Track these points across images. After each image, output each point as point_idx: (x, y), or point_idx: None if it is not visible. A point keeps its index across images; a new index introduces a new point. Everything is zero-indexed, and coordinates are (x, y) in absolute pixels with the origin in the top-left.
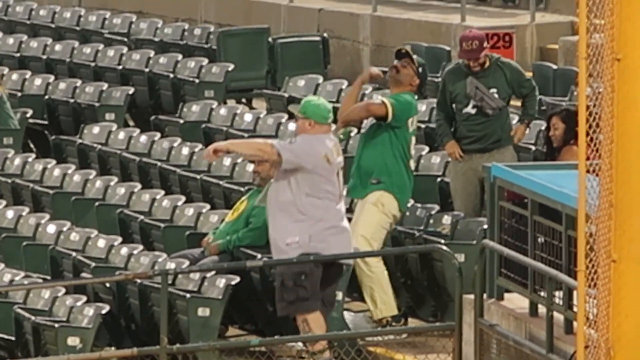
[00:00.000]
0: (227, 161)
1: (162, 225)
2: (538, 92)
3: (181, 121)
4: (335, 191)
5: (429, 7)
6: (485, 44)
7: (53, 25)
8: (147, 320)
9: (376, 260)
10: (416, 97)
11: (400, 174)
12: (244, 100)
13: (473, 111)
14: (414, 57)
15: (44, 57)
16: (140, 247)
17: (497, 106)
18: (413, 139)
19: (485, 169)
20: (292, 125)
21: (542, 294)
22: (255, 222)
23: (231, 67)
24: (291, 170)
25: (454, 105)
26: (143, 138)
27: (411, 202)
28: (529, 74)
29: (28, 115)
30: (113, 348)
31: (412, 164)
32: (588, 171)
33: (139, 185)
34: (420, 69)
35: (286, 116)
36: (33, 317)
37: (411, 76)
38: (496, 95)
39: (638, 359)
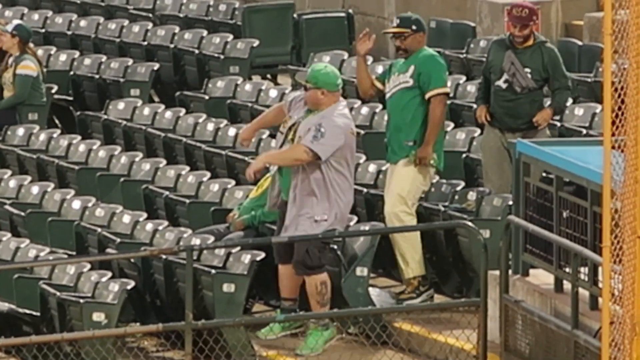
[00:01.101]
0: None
1: (187, 201)
2: (571, 94)
3: (206, 97)
4: (353, 156)
5: None
6: (534, 17)
7: (78, 1)
8: (172, 296)
9: (410, 218)
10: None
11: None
12: (269, 76)
13: (504, 85)
14: (396, 22)
15: (69, 32)
16: (166, 222)
17: (526, 85)
18: None
19: (511, 145)
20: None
21: (567, 270)
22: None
23: (256, 43)
24: None
25: (490, 76)
26: (168, 114)
27: (436, 178)
28: None
29: (53, 91)
30: (138, 324)
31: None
32: (613, 147)
33: (164, 161)
34: (414, 26)
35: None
36: (58, 293)
37: (415, 39)
38: (529, 76)
39: None
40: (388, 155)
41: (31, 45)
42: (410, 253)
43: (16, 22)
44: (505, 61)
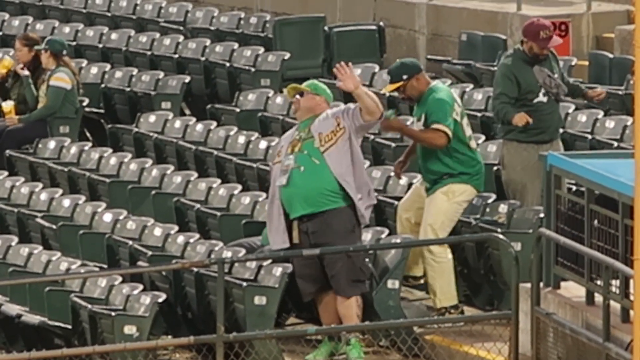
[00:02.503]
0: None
1: (218, 213)
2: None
3: (237, 110)
4: None
5: None
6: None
7: (109, 14)
8: (203, 309)
9: (442, 249)
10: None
11: (468, 162)
12: None
13: (545, 99)
14: (389, 79)
15: (100, 45)
16: (197, 235)
17: (564, 92)
18: (465, 120)
19: (542, 158)
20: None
21: (598, 282)
22: None
23: (287, 55)
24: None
25: (525, 96)
26: (199, 127)
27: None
28: (585, 63)
29: (84, 103)
30: (169, 336)
31: (474, 144)
32: None
33: (195, 174)
34: (404, 76)
35: (342, 105)
36: (90, 306)
37: (412, 85)
38: (560, 82)
39: None
40: (426, 185)
41: (66, 58)
42: (440, 284)
43: (48, 37)
44: (539, 77)
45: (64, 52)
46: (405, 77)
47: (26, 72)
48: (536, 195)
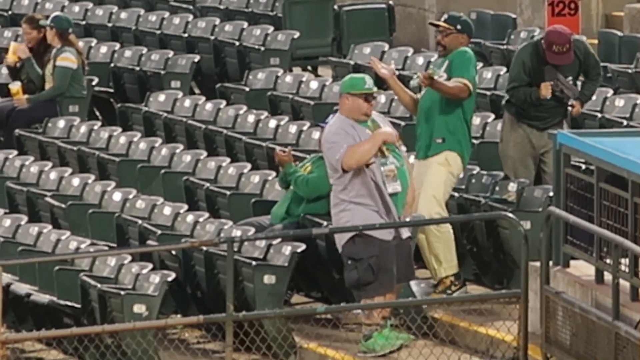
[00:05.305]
0: (292, 128)
1: (227, 192)
2: (601, 80)
3: (247, 89)
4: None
5: None
6: (571, 43)
7: None
8: (212, 288)
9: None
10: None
11: (463, 131)
12: (309, 67)
13: (549, 96)
14: (444, 18)
15: (110, 25)
16: (206, 214)
17: (574, 95)
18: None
19: (552, 137)
20: None
21: (608, 261)
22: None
23: (297, 34)
24: None
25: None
26: (209, 106)
27: (477, 169)
28: (594, 41)
29: (94, 83)
30: (179, 315)
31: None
32: None
33: (205, 153)
34: (459, 26)
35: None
36: (99, 285)
37: (457, 39)
38: (571, 82)
39: None
40: (417, 150)
41: (72, 36)
42: (444, 253)
43: (54, 14)
44: (548, 76)
45: (70, 30)
46: (459, 27)
47: (27, 54)
48: (528, 175)
